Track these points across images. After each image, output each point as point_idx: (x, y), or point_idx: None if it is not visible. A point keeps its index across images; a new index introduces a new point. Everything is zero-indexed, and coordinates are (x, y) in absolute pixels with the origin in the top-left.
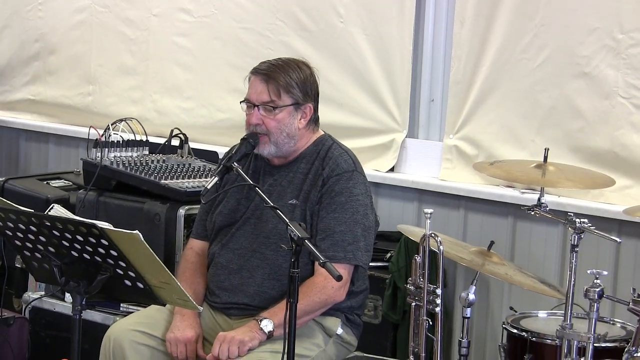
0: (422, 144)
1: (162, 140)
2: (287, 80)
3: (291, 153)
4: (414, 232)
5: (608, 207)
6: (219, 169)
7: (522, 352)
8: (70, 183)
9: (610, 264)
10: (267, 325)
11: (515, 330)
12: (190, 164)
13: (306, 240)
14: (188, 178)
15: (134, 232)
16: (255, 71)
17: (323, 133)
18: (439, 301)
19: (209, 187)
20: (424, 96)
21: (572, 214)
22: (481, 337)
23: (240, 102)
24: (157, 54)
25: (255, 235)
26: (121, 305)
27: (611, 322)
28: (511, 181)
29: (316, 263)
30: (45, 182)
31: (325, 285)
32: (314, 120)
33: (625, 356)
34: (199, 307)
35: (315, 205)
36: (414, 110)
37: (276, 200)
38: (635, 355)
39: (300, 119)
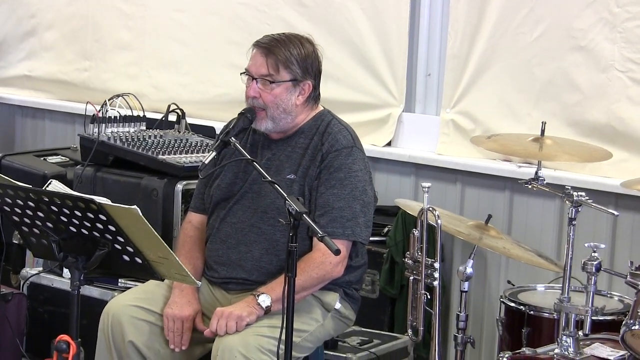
0: (419, 118)
1: (158, 116)
2: (287, 56)
3: (289, 128)
4: (411, 207)
5: (605, 180)
6: (217, 143)
7: (520, 325)
8: (67, 159)
9: (607, 237)
10: (264, 300)
11: (513, 304)
12: (187, 139)
13: (304, 215)
14: (185, 153)
15: (132, 207)
16: (257, 44)
17: (323, 108)
18: (437, 275)
19: (206, 162)
20: (421, 70)
21: (569, 187)
22: (478, 311)
23: (241, 74)
24: (153, 30)
25: (253, 209)
26: (119, 280)
27: (608, 295)
28: (508, 155)
29: (314, 238)
30: (42, 158)
31: (324, 261)
32: (314, 98)
33: (622, 329)
34: (197, 282)
35: (313, 180)
36: (410, 84)
37: (274, 175)
38: (632, 328)
39: (298, 96)
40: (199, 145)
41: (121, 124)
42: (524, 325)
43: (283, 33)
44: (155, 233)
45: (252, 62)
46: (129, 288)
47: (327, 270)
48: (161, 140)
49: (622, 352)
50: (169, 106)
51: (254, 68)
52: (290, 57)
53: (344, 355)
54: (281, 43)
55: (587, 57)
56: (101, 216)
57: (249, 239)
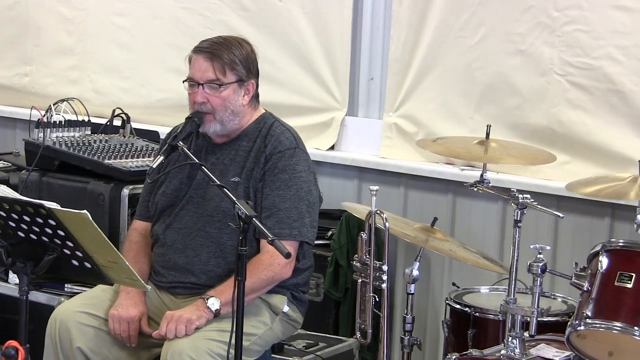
0: (362, 122)
1: (101, 121)
2: (231, 57)
3: (235, 130)
4: (358, 210)
5: (546, 183)
6: (165, 148)
7: (466, 327)
8: (10, 164)
9: (548, 239)
10: (214, 303)
11: (458, 306)
12: (132, 144)
13: (254, 219)
14: (131, 158)
15: (82, 211)
16: (198, 50)
17: (264, 111)
18: (385, 277)
19: (154, 166)
20: (364, 74)
21: (514, 190)
22: (422, 313)
23: (183, 82)
24: (95, 34)
25: (199, 214)
26: (66, 285)
27: (552, 297)
28: (454, 158)
29: (262, 240)
30: None
31: (272, 263)
32: (256, 97)
33: (568, 330)
34: (146, 286)
35: (258, 182)
36: (353, 88)
37: (219, 179)
38: (578, 329)
39: (244, 96)
40: (144, 149)
41: (66, 129)
42: (470, 327)
43: (219, 36)
44: (105, 237)
45: (196, 68)
46: (76, 293)
47: (275, 271)
48: (106, 144)
49: (567, 353)
50: (114, 110)
51: (198, 74)
52: (234, 58)
53: (290, 358)
54: (223, 46)
55: (526, 60)
56: (50, 221)
57: (195, 243)
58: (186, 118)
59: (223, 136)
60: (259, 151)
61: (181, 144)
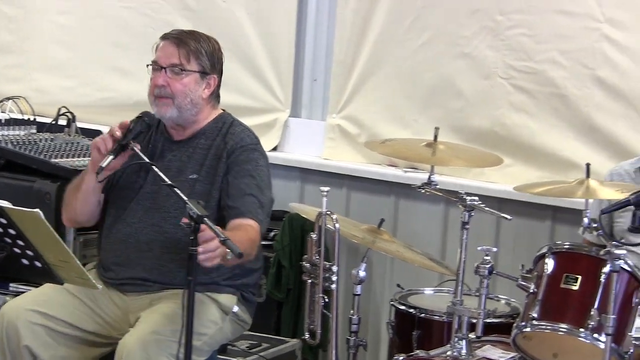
0: (305, 123)
1: (42, 120)
2: (198, 47)
3: (190, 124)
4: (306, 211)
5: (489, 185)
6: (114, 147)
7: (411, 328)
8: None
9: (490, 241)
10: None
11: (403, 307)
12: (78, 143)
13: (205, 219)
14: (78, 157)
15: (35, 210)
16: (167, 36)
17: (223, 111)
18: (335, 278)
19: (104, 165)
20: (307, 75)
21: (462, 192)
22: (364, 314)
23: (147, 65)
24: (36, 32)
25: (154, 209)
26: (10, 284)
27: (496, 299)
28: (402, 159)
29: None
30: None
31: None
32: (216, 95)
33: (514, 331)
34: (98, 285)
35: (224, 176)
36: (296, 89)
37: (176, 175)
38: (524, 330)
39: (204, 89)
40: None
41: (11, 127)
42: (415, 328)
43: (190, 29)
44: (57, 236)
45: (161, 53)
46: (21, 292)
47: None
48: (52, 143)
49: (512, 354)
50: (60, 109)
51: (163, 58)
52: (200, 48)
53: (234, 359)
54: (191, 35)
55: (471, 64)
56: (1, 219)
57: (149, 238)
58: (137, 117)
59: (178, 127)
60: (219, 149)
61: (132, 143)
